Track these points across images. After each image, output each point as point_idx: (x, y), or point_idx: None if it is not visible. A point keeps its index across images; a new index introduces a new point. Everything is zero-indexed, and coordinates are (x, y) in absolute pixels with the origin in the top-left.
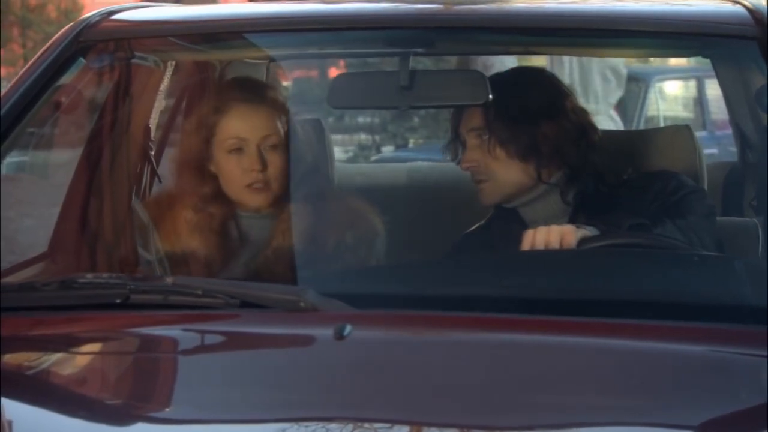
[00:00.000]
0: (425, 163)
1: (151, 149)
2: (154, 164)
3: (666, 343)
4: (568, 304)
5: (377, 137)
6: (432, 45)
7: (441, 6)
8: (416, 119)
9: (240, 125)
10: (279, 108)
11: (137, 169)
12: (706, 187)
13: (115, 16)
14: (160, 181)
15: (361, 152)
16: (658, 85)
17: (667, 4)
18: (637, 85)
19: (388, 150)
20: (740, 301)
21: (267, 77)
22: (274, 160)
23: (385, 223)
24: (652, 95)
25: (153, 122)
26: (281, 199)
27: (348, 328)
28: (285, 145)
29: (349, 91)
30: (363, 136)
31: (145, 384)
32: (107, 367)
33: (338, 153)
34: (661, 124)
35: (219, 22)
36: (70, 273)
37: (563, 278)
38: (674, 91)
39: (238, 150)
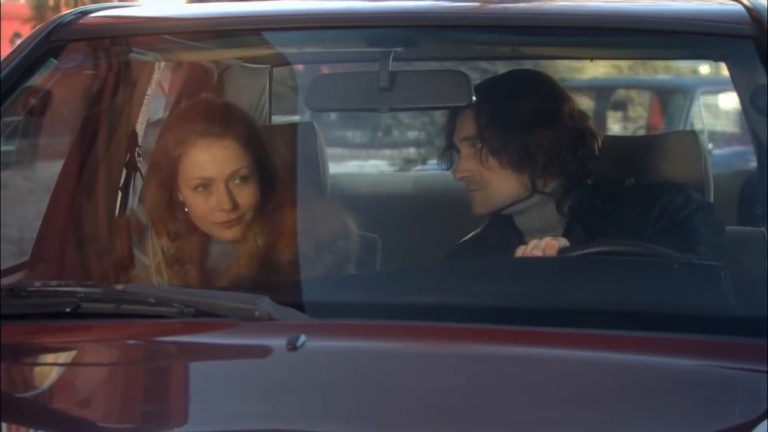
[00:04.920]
0: (432, 172)
1: (139, 155)
2: (141, 172)
3: (658, 356)
4: (546, 314)
5: (422, 150)
6: (414, 45)
7: (424, 4)
8: None
9: (204, 163)
10: (247, 131)
11: (122, 177)
12: (713, 197)
13: (91, 15)
14: None
15: (406, 165)
16: (702, 97)
17: (664, 3)
18: (681, 98)
19: (432, 163)
20: (738, 313)
21: (270, 83)
22: (245, 194)
23: (387, 230)
24: (696, 108)
25: (141, 127)
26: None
27: (302, 338)
28: (258, 171)
29: (328, 93)
30: (412, 150)
31: (94, 396)
32: (54, 378)
33: (384, 166)
34: (706, 139)
35: (195, 21)
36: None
37: (540, 287)
38: (720, 103)
39: (205, 187)
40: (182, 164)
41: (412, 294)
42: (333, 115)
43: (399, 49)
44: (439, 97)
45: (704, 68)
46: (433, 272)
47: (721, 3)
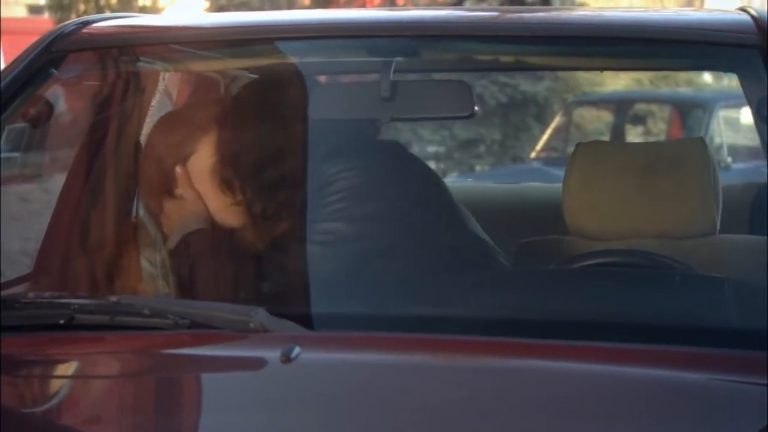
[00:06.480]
0: (452, 185)
1: None
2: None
3: (659, 369)
4: (545, 325)
5: (442, 164)
6: (416, 54)
7: (427, 14)
8: (482, 147)
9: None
10: None
11: (127, 188)
12: (725, 207)
13: (92, 26)
14: None
15: None
16: (723, 111)
17: (669, 13)
18: (701, 111)
19: (452, 176)
20: (739, 325)
21: None
22: None
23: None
24: (715, 123)
25: (144, 138)
26: None
27: (296, 350)
28: None
29: (330, 103)
30: (432, 164)
31: (88, 409)
32: (47, 390)
33: None
34: (725, 153)
35: (197, 30)
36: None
37: (540, 299)
38: (741, 117)
39: None
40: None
41: (409, 305)
42: None
43: (401, 59)
44: (441, 107)
45: (724, 82)
46: (431, 283)
47: (727, 13)
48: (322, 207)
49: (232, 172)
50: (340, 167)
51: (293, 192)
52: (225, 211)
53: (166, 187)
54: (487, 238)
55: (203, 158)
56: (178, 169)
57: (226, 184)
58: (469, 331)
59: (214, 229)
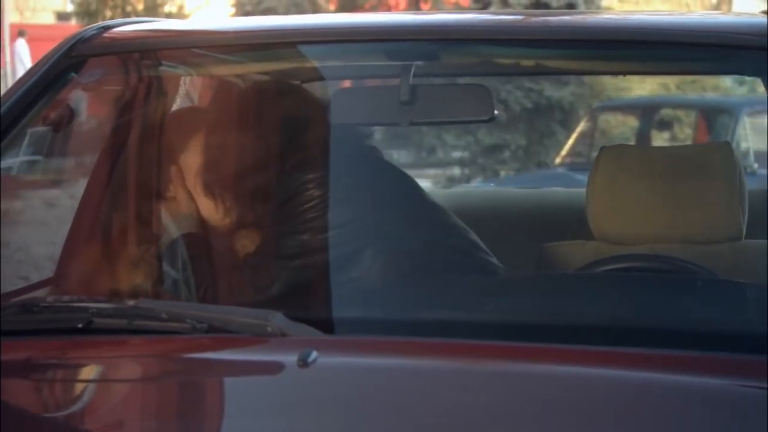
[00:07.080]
0: (476, 190)
1: None
2: None
3: (677, 374)
4: (558, 330)
5: (467, 170)
6: (437, 58)
7: (448, 18)
8: (507, 152)
9: None
10: None
11: (148, 193)
12: (748, 211)
13: (112, 30)
14: None
15: (449, 184)
16: (749, 117)
17: (687, 16)
18: (727, 117)
19: (476, 181)
20: (739, 328)
21: None
22: None
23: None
24: (741, 128)
25: None
26: None
27: (313, 355)
28: None
29: (348, 107)
30: (456, 169)
31: (105, 413)
32: (65, 395)
33: (428, 185)
34: (752, 159)
35: (218, 35)
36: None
37: (552, 303)
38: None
39: None
40: None
41: (425, 309)
42: (377, 135)
43: (421, 63)
44: (461, 111)
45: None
46: (449, 287)
47: (752, 16)
48: (294, 216)
49: (213, 178)
50: (310, 176)
51: (268, 202)
52: (212, 215)
53: (161, 188)
54: (477, 239)
55: (191, 159)
56: (172, 168)
57: (209, 189)
58: (486, 335)
59: (204, 233)
